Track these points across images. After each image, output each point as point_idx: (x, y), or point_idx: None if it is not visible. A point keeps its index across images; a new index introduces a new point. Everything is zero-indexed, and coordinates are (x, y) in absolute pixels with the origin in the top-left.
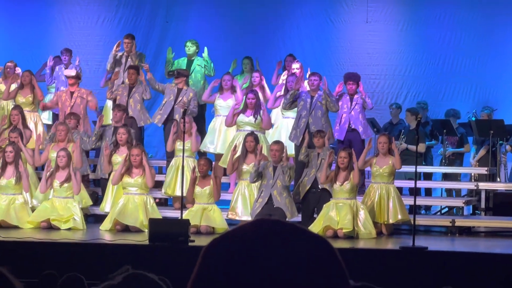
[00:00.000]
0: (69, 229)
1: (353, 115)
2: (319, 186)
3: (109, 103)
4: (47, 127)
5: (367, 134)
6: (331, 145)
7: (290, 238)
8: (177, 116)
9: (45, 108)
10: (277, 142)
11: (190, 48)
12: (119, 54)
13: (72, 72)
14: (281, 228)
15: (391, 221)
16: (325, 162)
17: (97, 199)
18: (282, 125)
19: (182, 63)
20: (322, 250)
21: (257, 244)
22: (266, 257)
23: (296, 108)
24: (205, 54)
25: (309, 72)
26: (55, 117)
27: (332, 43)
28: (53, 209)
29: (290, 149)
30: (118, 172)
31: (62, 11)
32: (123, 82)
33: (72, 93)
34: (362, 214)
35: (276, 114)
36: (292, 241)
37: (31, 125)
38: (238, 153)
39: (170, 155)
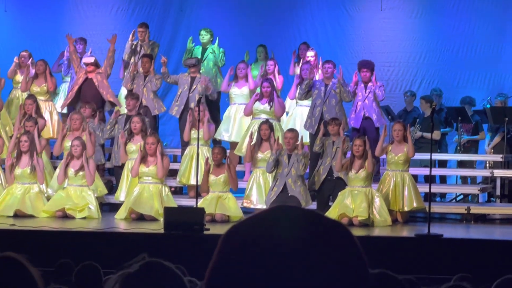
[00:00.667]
0: (84, 218)
1: (366, 103)
2: (334, 174)
3: (124, 92)
4: (62, 116)
5: (381, 122)
6: (345, 133)
7: (308, 224)
8: (192, 105)
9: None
10: (292, 130)
11: (204, 36)
12: (134, 43)
13: (91, 59)
14: (300, 215)
15: (406, 208)
16: (340, 151)
17: (112, 188)
18: (297, 114)
19: (196, 51)
20: (341, 236)
21: (275, 231)
22: (284, 243)
23: (310, 97)
24: (215, 44)
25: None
26: (69, 108)
27: (347, 31)
28: (68, 198)
29: (305, 137)
30: (137, 165)
31: (76, 1)
32: (137, 72)
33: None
34: (377, 201)
35: (291, 102)
36: (310, 227)
37: (46, 114)
38: (253, 141)
39: (185, 144)
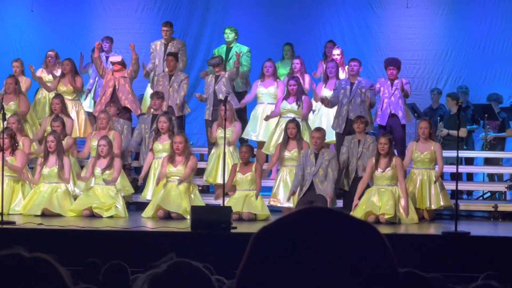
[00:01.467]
0: (111, 216)
1: (393, 100)
2: (359, 173)
3: (149, 92)
4: (89, 114)
5: (405, 119)
6: (371, 132)
7: (338, 225)
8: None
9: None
10: (319, 129)
11: (229, 35)
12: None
13: (117, 58)
14: (329, 216)
15: (433, 207)
16: (365, 176)
17: (138, 187)
18: (323, 112)
19: (221, 50)
20: (371, 237)
21: (305, 232)
22: (315, 244)
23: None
24: (245, 55)
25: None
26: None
27: (372, 29)
28: (95, 197)
29: (332, 135)
30: (164, 168)
31: (103, 0)
32: (162, 71)
33: (113, 74)
34: (404, 200)
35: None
36: (340, 228)
37: (73, 113)
38: (280, 140)
39: (211, 143)
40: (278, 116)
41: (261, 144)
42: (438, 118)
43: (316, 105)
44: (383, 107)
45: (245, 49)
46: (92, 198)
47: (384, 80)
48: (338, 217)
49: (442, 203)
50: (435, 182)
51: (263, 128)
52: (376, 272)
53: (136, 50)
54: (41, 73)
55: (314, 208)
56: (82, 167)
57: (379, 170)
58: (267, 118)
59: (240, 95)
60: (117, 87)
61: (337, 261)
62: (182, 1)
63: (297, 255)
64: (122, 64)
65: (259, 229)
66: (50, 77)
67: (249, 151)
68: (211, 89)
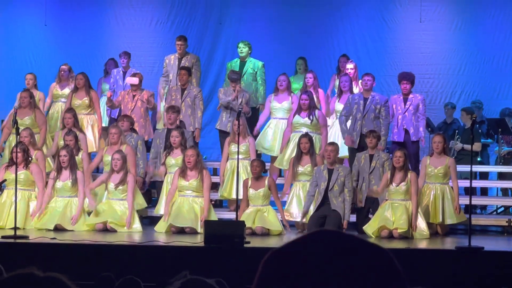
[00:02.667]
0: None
1: (406, 115)
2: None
3: (163, 107)
4: (103, 129)
5: (417, 136)
6: (386, 150)
7: (349, 249)
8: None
9: (111, 105)
10: (332, 143)
11: (243, 49)
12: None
13: (135, 81)
14: (341, 239)
15: (447, 222)
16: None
17: (151, 200)
18: (337, 127)
19: (234, 65)
20: (382, 261)
21: (316, 256)
22: (326, 268)
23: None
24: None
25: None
26: (112, 120)
27: (386, 43)
28: (111, 211)
29: (345, 150)
30: (175, 183)
31: (116, 14)
32: (176, 84)
33: (133, 96)
34: (418, 214)
35: (331, 115)
36: (351, 252)
37: (88, 128)
38: (293, 155)
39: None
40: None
41: (273, 158)
42: (456, 131)
43: (330, 119)
44: (398, 123)
45: (259, 64)
46: (107, 212)
47: (397, 96)
48: (349, 241)
49: (456, 220)
50: (455, 210)
51: (277, 143)
52: None
53: (148, 64)
54: (54, 87)
55: (325, 231)
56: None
57: (394, 184)
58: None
59: (255, 110)
60: (132, 106)
61: (348, 285)
62: (195, 15)
63: (308, 279)
64: (140, 82)
65: (270, 252)
66: (64, 91)
67: (260, 165)
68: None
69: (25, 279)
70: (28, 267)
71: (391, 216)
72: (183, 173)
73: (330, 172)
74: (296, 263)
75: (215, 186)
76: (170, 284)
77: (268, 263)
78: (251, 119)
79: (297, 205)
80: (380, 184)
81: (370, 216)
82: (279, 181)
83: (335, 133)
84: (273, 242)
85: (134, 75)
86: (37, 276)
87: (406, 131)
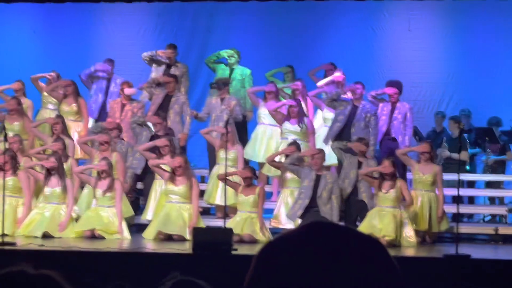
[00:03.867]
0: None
1: (395, 124)
2: (358, 195)
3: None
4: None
5: (404, 144)
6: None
7: (344, 240)
8: (221, 124)
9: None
10: (318, 150)
11: (232, 57)
12: (160, 58)
13: (132, 91)
14: (335, 231)
15: (432, 230)
16: (374, 168)
17: (138, 207)
18: (324, 133)
19: (223, 72)
20: (377, 252)
21: (311, 247)
22: (320, 259)
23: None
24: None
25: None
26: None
27: (374, 52)
28: (98, 218)
29: (334, 158)
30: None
31: (103, 21)
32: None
33: (123, 105)
34: (406, 222)
35: (318, 123)
36: (346, 243)
37: (75, 135)
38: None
39: (212, 164)
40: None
41: (262, 164)
42: (444, 138)
43: (318, 127)
44: (380, 123)
45: (247, 71)
46: (95, 219)
47: (385, 103)
48: (343, 233)
49: (441, 228)
50: (437, 218)
51: (263, 148)
52: (383, 286)
53: (137, 72)
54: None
55: (319, 223)
56: (82, 187)
57: (383, 191)
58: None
59: (242, 117)
60: (121, 116)
61: (343, 277)
62: (183, 24)
63: (302, 271)
64: (133, 95)
65: (264, 245)
66: (51, 99)
67: (251, 173)
68: (218, 110)
69: (17, 277)
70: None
71: (379, 224)
72: (172, 178)
73: (318, 178)
74: (291, 255)
75: (201, 194)
76: (162, 285)
77: (262, 254)
78: (240, 126)
79: (285, 212)
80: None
81: (357, 223)
82: (266, 188)
83: (322, 141)
84: None
85: (130, 86)
86: (28, 273)
87: (394, 139)
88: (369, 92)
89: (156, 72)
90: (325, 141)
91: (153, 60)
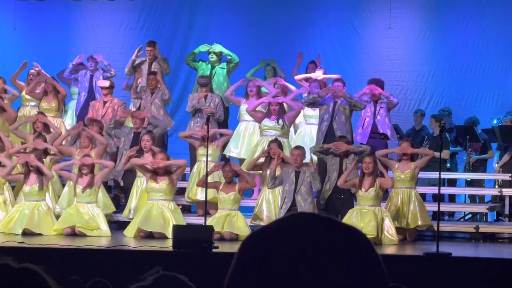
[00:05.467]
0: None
1: (379, 119)
2: (343, 193)
3: (133, 107)
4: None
5: (394, 138)
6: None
7: (327, 231)
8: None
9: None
10: (299, 147)
11: (213, 55)
12: (139, 60)
13: (106, 83)
14: (318, 221)
15: (411, 225)
16: (351, 167)
17: (119, 204)
18: (305, 132)
19: (206, 70)
20: (359, 242)
21: (294, 237)
22: (303, 250)
23: (318, 113)
24: (224, 50)
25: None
26: (78, 121)
27: (355, 50)
28: (78, 216)
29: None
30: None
31: (85, 18)
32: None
33: (105, 102)
34: (387, 220)
35: (300, 121)
36: (328, 233)
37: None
38: (262, 160)
39: (194, 162)
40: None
41: (243, 161)
42: (425, 138)
43: (299, 125)
44: (364, 125)
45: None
46: (75, 216)
47: (367, 100)
48: (326, 223)
49: (420, 222)
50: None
51: (245, 145)
52: (365, 277)
53: (118, 68)
54: (23, 88)
55: (302, 214)
56: (63, 185)
57: (363, 189)
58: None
59: (226, 111)
60: (102, 113)
61: (326, 267)
62: (165, 20)
63: (286, 261)
64: (111, 87)
65: (246, 236)
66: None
67: (232, 170)
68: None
69: (0, 270)
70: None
71: (359, 222)
72: (153, 175)
73: (297, 174)
74: (274, 246)
75: (183, 191)
76: (143, 280)
77: (246, 245)
78: (223, 123)
79: (267, 209)
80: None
81: (339, 220)
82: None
83: (302, 138)
84: None
85: (106, 78)
86: (12, 267)
87: (385, 136)
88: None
89: (139, 72)
90: (317, 142)
91: (134, 67)
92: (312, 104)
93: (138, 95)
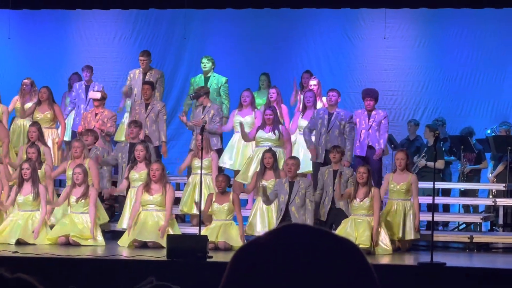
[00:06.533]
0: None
1: (370, 132)
2: (336, 204)
3: (126, 120)
4: (65, 144)
5: (384, 152)
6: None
7: (319, 242)
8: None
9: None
10: (293, 158)
11: (206, 64)
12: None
13: (97, 95)
14: (310, 233)
15: (405, 238)
16: (338, 182)
17: (113, 214)
18: (300, 142)
19: (199, 80)
20: (351, 253)
21: (286, 249)
22: (295, 261)
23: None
24: (223, 86)
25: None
26: (74, 134)
27: (350, 60)
28: (72, 225)
29: (308, 165)
30: (138, 200)
31: (79, 28)
32: (140, 99)
33: (96, 114)
34: (381, 230)
35: (294, 130)
36: (321, 245)
37: (49, 142)
38: (257, 169)
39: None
40: (253, 141)
41: (237, 172)
42: (419, 148)
43: (294, 135)
44: (361, 138)
45: (223, 79)
46: (69, 226)
47: (361, 111)
48: (317, 234)
49: (413, 237)
50: (415, 228)
51: (239, 157)
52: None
53: (112, 79)
54: (17, 101)
55: (293, 225)
56: (58, 195)
57: (357, 199)
58: (244, 134)
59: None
60: (93, 124)
61: (318, 278)
62: (159, 30)
63: (277, 273)
64: (103, 98)
65: (239, 247)
66: (27, 105)
67: (225, 180)
68: (199, 118)
69: None
70: None
71: (354, 232)
72: (147, 187)
73: (291, 185)
74: (266, 257)
75: (177, 201)
76: None
77: (238, 257)
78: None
79: (260, 220)
80: (345, 192)
81: (332, 231)
82: (242, 196)
83: (297, 149)
84: None
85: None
86: (5, 277)
87: (371, 147)
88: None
89: (133, 81)
90: (317, 158)
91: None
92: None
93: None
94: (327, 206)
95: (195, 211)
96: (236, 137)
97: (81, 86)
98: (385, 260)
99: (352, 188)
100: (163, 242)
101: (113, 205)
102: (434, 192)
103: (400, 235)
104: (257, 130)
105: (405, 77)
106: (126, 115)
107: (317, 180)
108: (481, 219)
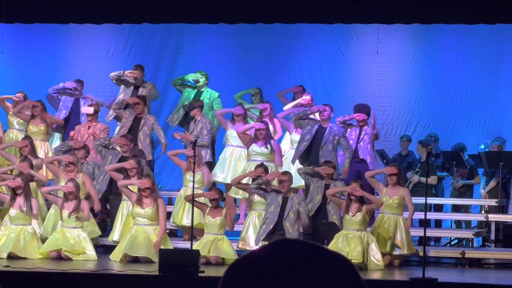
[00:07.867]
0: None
1: (361, 145)
2: (329, 218)
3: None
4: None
5: (374, 165)
6: (340, 177)
7: (312, 257)
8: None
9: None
10: (286, 173)
11: (200, 79)
12: (127, 78)
13: (90, 110)
14: (303, 248)
15: (396, 253)
16: (340, 188)
17: (105, 228)
18: (291, 157)
19: (190, 94)
20: (344, 268)
21: (279, 264)
22: (288, 276)
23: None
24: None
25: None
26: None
27: (342, 75)
28: (64, 240)
29: (301, 180)
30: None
31: (72, 42)
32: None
33: (89, 127)
34: (373, 245)
35: (286, 145)
36: (314, 260)
37: (41, 154)
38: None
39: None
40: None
41: (229, 186)
42: (411, 163)
43: (285, 150)
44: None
45: (215, 94)
46: (61, 240)
47: (353, 128)
48: (311, 249)
49: (405, 252)
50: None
51: (231, 170)
52: None
53: (105, 93)
54: (10, 112)
55: (287, 240)
56: (49, 208)
57: (350, 214)
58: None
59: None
60: (86, 137)
61: None
62: (152, 45)
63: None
64: (95, 112)
65: (232, 262)
66: (18, 119)
67: (218, 195)
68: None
69: None
70: None
71: (345, 247)
72: (139, 201)
73: (285, 200)
74: (259, 272)
75: (169, 215)
76: None
77: (231, 272)
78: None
79: (253, 234)
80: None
81: (324, 246)
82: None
83: (289, 164)
84: None
85: (90, 105)
86: None
87: (362, 160)
88: (336, 117)
89: (124, 94)
90: (293, 161)
91: (121, 80)
92: (301, 120)
93: (119, 105)
94: (310, 212)
95: (184, 222)
96: (228, 150)
97: (72, 100)
98: (377, 275)
99: (344, 201)
100: (154, 257)
101: (105, 219)
102: (426, 208)
103: (388, 249)
104: (250, 142)
105: (397, 93)
106: (117, 130)
107: (308, 194)
108: (473, 234)
